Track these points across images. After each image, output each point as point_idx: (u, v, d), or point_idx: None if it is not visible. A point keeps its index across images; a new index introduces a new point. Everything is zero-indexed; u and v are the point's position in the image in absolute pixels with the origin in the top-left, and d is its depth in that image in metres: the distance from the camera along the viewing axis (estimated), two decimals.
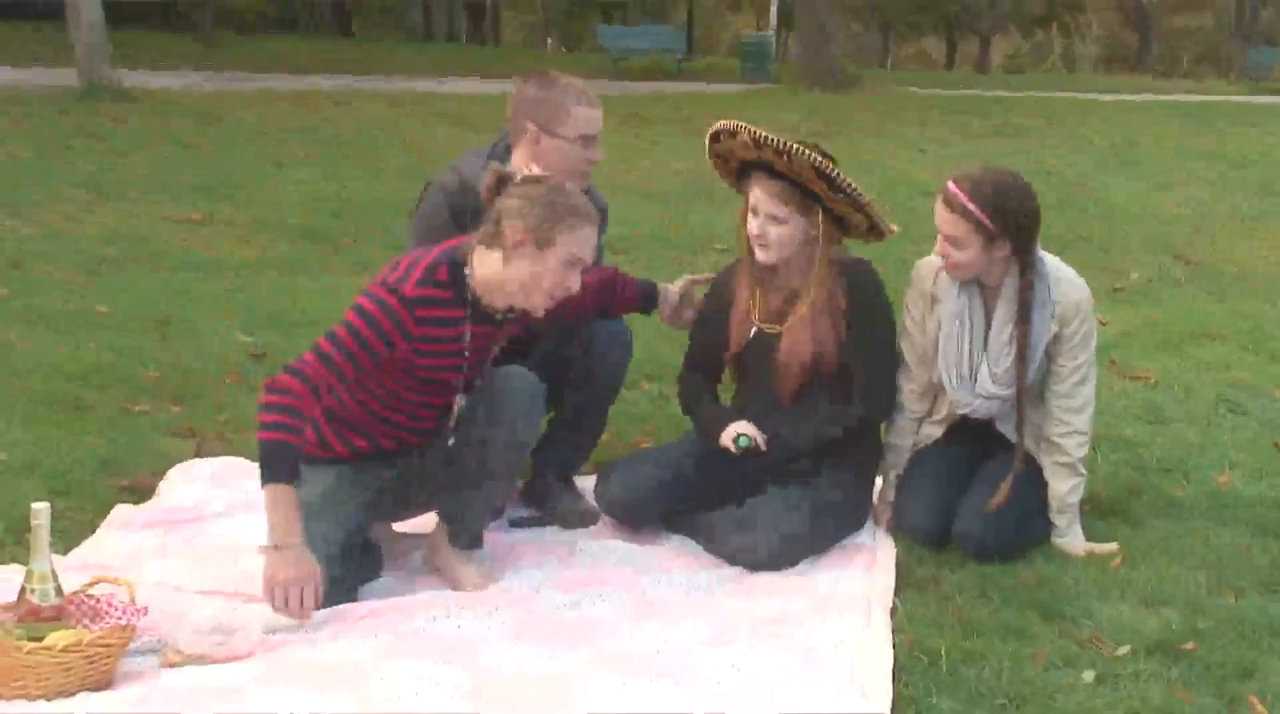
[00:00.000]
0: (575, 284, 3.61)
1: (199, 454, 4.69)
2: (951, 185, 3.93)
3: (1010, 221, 3.89)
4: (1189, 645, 3.37)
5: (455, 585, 3.73)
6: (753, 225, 4.00)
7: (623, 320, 4.28)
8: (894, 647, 3.34)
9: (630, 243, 9.03)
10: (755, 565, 3.86)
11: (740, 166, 4.08)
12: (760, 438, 4.00)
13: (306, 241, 9.05)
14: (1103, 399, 4.38)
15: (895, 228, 4.06)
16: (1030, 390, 4.05)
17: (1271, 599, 3.69)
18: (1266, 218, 11.08)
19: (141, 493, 4.35)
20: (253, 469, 4.49)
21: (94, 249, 8.48)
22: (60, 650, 2.99)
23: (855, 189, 3.90)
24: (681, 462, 4.19)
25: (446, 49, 37.00)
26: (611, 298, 4.12)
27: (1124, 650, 3.35)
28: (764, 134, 3.88)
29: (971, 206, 3.86)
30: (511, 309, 3.66)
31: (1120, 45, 55.92)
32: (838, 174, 3.86)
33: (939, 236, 3.94)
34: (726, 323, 4.17)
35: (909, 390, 4.21)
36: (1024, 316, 3.97)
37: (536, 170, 3.95)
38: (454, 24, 47.62)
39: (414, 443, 3.78)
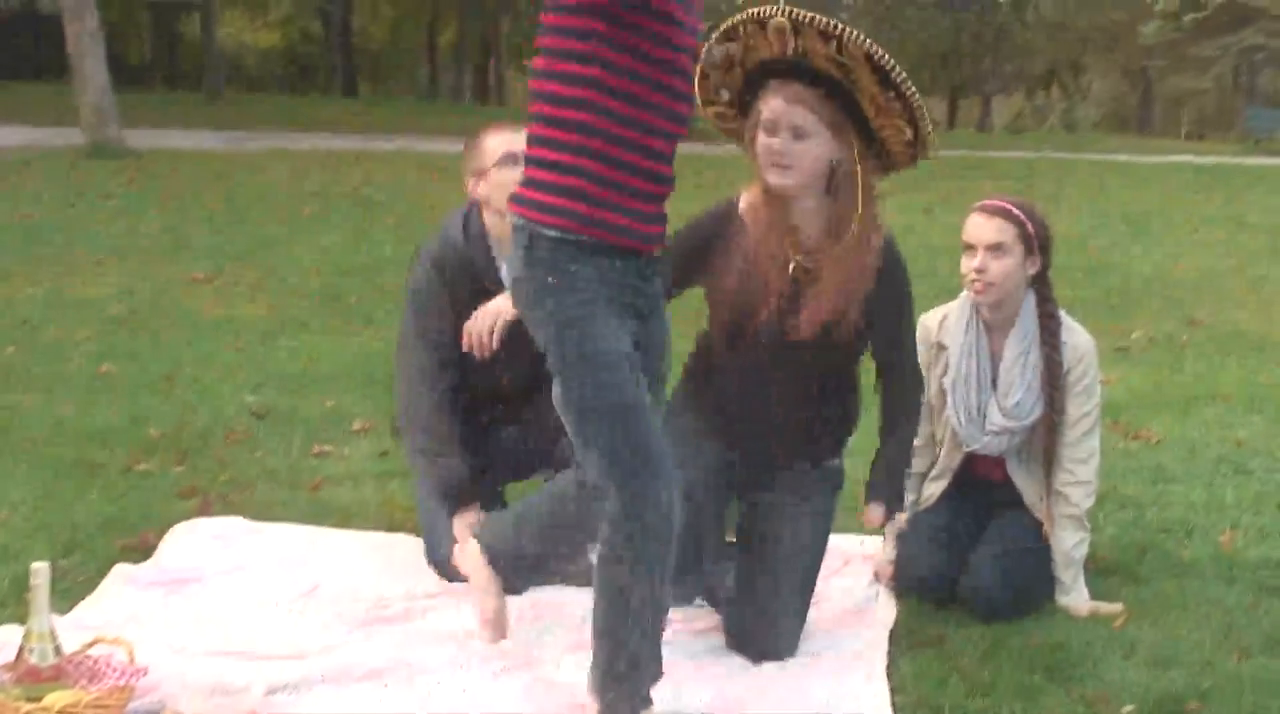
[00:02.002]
0: None
1: (201, 513, 4.69)
2: (986, 200, 4.00)
3: (1044, 236, 3.98)
4: (1194, 705, 3.36)
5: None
6: (770, 143, 3.46)
7: None
8: (898, 707, 3.32)
9: None
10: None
11: (746, 82, 3.53)
12: None
13: (314, 300, 9.07)
14: (1106, 459, 4.38)
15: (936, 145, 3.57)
16: (1035, 440, 4.06)
17: (1276, 659, 3.67)
18: (1274, 280, 11.09)
19: (144, 552, 4.33)
20: (256, 528, 4.53)
21: (102, 307, 8.50)
22: (58, 712, 2.97)
23: (912, 90, 3.36)
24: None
25: (452, 108, 37.21)
26: None
27: (1129, 709, 3.33)
28: (807, 14, 3.29)
29: (1015, 211, 3.93)
30: None
31: (1121, 105, 56.22)
32: (895, 68, 3.31)
33: (976, 253, 3.96)
34: (726, 276, 3.66)
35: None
36: (1049, 341, 3.99)
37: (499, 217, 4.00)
38: (459, 84, 47.93)
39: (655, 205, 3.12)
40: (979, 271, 3.96)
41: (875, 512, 3.79)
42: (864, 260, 3.54)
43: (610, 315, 2.98)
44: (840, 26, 3.25)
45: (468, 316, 4.07)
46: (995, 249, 3.95)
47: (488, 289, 4.09)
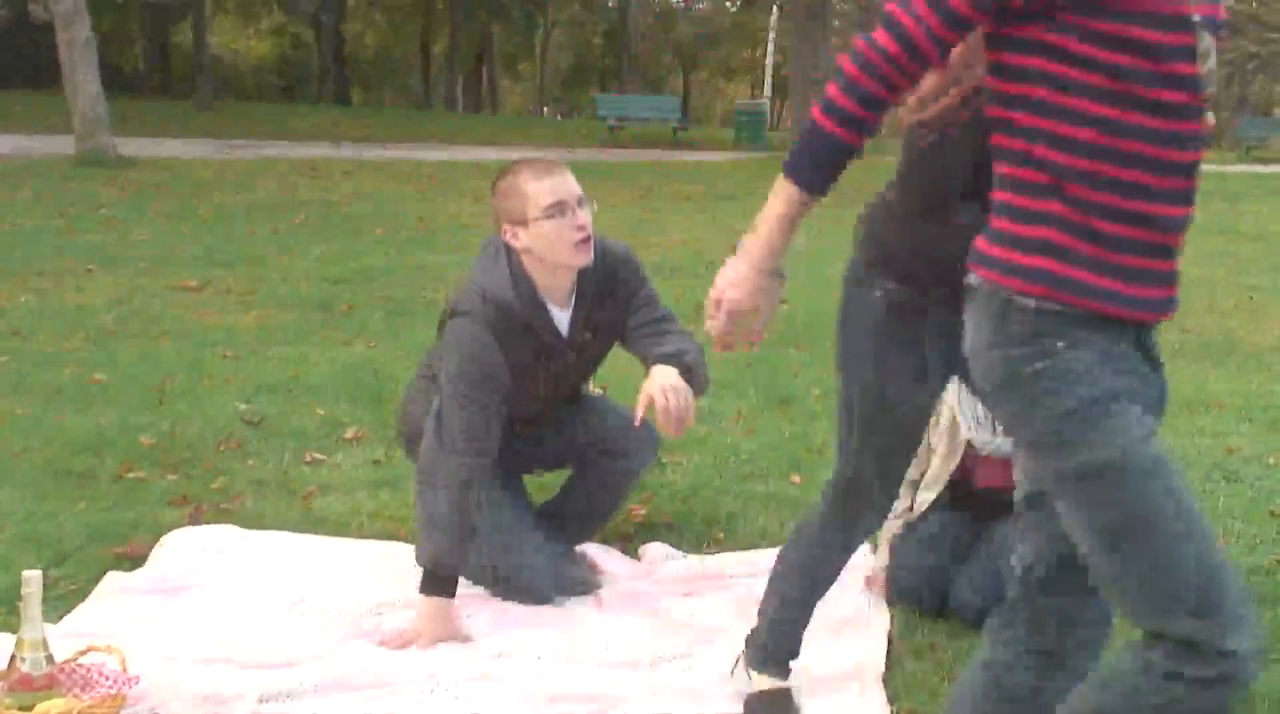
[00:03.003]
0: None
1: (193, 521, 4.68)
2: None
3: None
4: None
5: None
6: None
7: (649, 423, 4.09)
8: None
9: None
10: None
11: None
12: None
13: (305, 309, 9.07)
14: None
15: None
16: None
17: (1268, 669, 3.67)
18: (1267, 291, 11.11)
19: (136, 560, 4.33)
20: (248, 537, 4.52)
21: (93, 317, 8.49)
22: None
23: None
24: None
25: (445, 117, 37.25)
26: None
27: None
28: None
29: None
30: None
31: None
32: None
33: None
34: None
35: None
36: None
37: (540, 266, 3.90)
38: (452, 92, 47.99)
39: None
40: None
41: None
42: None
43: (1134, 405, 2.27)
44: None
45: (525, 374, 3.93)
46: None
47: (545, 342, 3.95)
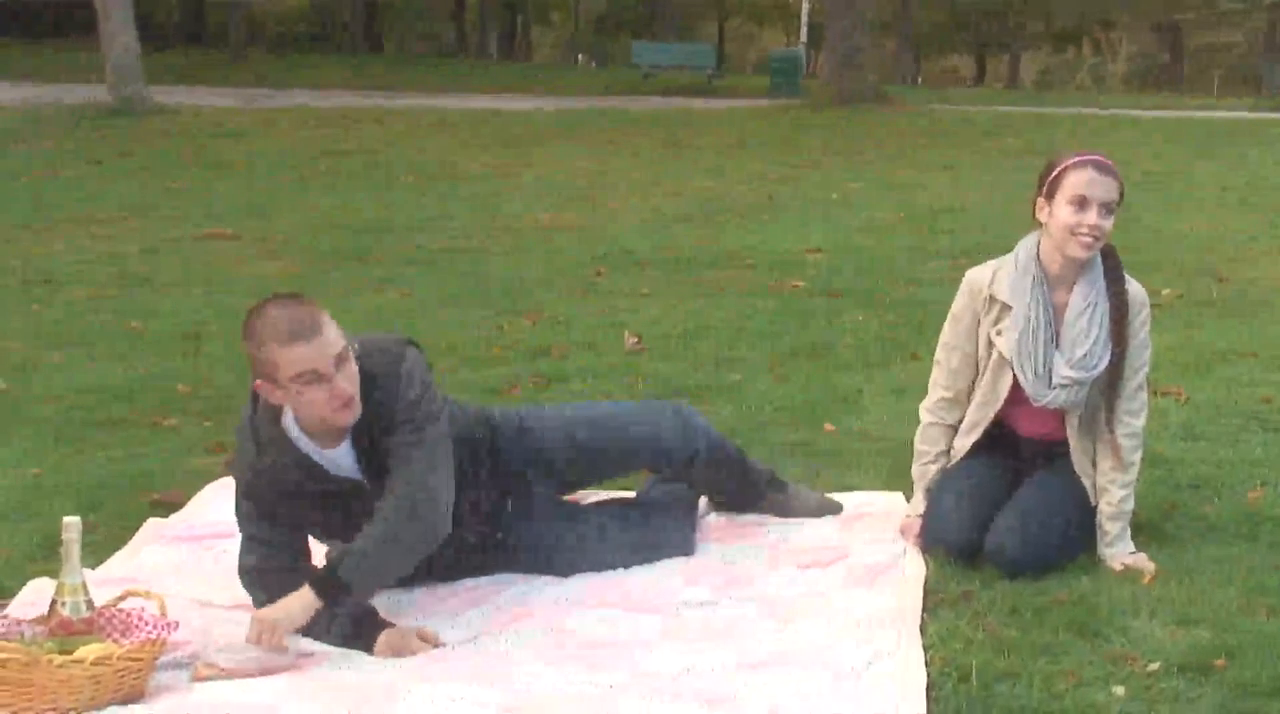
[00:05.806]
0: None
1: (228, 469, 4.70)
2: (1093, 155, 3.99)
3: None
4: (1220, 663, 3.35)
5: None
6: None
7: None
8: (926, 665, 3.32)
9: (656, 262, 9.03)
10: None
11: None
12: None
13: (337, 257, 9.08)
14: None
15: None
16: (1095, 393, 4.05)
17: None
18: None
19: (171, 507, 4.36)
20: None
21: (126, 265, 8.52)
22: (91, 664, 3.00)
23: None
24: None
25: (477, 66, 37.14)
26: None
27: (1155, 666, 3.32)
28: None
29: (1117, 170, 3.98)
30: None
31: (1150, 62, 55.81)
32: None
33: (1090, 208, 3.92)
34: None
35: (943, 399, 4.20)
36: (1116, 291, 4.05)
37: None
38: (485, 41, 47.80)
39: None
40: (1095, 228, 3.93)
41: None
42: None
43: None
44: None
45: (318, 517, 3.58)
46: (1108, 206, 3.93)
47: (332, 491, 3.52)
